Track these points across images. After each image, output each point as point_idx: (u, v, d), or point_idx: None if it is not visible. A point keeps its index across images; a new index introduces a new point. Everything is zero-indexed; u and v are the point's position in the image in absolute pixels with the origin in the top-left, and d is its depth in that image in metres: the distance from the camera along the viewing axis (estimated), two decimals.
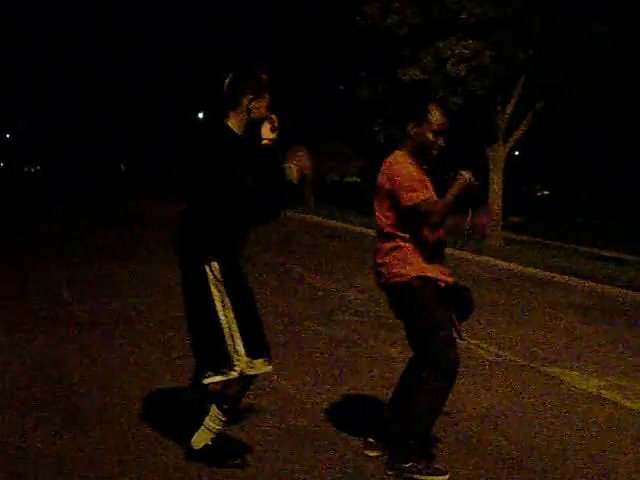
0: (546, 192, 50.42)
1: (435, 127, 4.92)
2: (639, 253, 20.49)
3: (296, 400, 6.32)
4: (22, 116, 70.12)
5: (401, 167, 4.90)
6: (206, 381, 4.63)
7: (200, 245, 4.61)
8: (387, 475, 4.84)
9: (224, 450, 4.79)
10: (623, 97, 24.05)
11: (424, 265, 4.90)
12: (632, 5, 19.44)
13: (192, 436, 4.77)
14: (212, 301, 4.57)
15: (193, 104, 42.29)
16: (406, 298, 4.92)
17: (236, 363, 4.56)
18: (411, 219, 4.85)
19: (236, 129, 4.71)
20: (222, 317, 4.57)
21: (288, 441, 5.34)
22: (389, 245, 4.95)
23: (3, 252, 14.73)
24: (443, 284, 4.94)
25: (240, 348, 4.57)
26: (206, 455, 4.73)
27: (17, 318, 8.73)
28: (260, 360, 4.64)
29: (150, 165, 68.12)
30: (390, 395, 5.36)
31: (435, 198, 4.88)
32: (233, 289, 4.62)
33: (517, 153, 36.05)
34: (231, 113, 4.73)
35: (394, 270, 4.92)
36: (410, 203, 4.78)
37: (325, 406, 6.17)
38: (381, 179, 4.97)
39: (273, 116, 4.74)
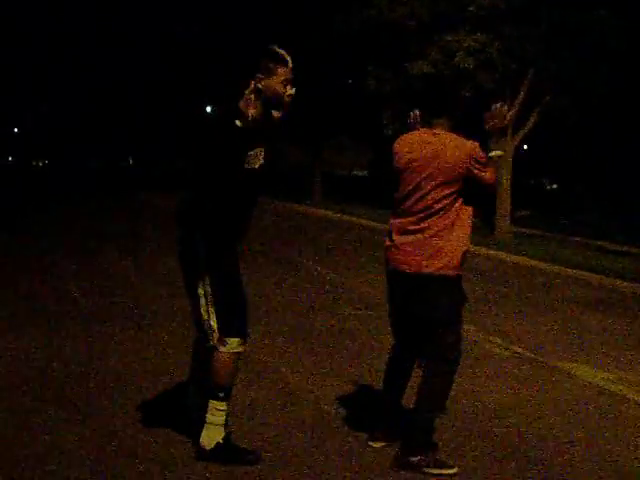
0: (554, 186, 50.29)
1: None
2: None
3: (302, 392, 6.29)
4: (29, 110, 70.23)
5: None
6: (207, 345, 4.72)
7: (195, 217, 4.64)
8: (395, 468, 4.81)
9: (236, 447, 4.77)
10: (632, 90, 23.92)
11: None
12: None
13: (199, 435, 4.73)
14: (196, 275, 4.64)
15: (198, 99, 42.28)
16: (438, 290, 4.90)
17: (209, 338, 4.66)
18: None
19: (248, 113, 4.62)
20: (201, 291, 4.64)
21: (294, 433, 5.32)
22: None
23: (10, 244, 14.74)
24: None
25: (213, 324, 4.64)
26: (218, 454, 4.69)
27: (22, 312, 8.72)
28: (234, 339, 4.65)
29: (157, 158, 68.34)
30: (383, 387, 5.37)
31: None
32: (216, 266, 4.63)
33: (525, 147, 35.94)
34: (245, 97, 4.66)
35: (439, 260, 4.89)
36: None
37: (331, 398, 6.14)
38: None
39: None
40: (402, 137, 5.16)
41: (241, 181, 4.64)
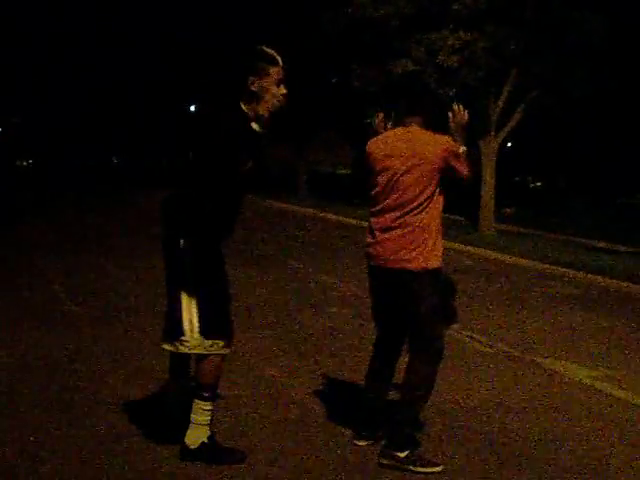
0: (539, 183, 50.46)
1: None
2: (632, 244, 20.48)
3: (287, 390, 6.29)
4: (18, 110, 69.85)
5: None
6: (162, 346, 4.75)
7: (181, 216, 4.61)
8: (381, 464, 4.82)
9: (220, 446, 4.76)
10: (615, 88, 24.03)
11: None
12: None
13: (183, 434, 4.72)
14: (180, 274, 4.60)
15: (190, 101, 42.28)
16: (421, 284, 4.91)
17: (188, 339, 4.59)
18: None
19: (251, 115, 4.64)
20: (184, 291, 4.60)
21: (279, 432, 5.31)
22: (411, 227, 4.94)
23: None
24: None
25: (195, 325, 4.58)
26: (203, 453, 4.68)
27: (9, 313, 8.68)
28: (212, 341, 4.60)
29: (144, 159, 68.18)
30: (365, 383, 5.37)
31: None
32: (202, 266, 4.60)
33: (509, 145, 36.06)
34: (242, 101, 4.64)
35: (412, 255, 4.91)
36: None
37: (316, 396, 6.14)
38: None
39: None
40: (376, 137, 5.23)
41: (238, 182, 4.65)
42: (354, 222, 24.09)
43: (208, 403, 4.67)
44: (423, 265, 4.87)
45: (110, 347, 7.35)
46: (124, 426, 5.25)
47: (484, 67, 19.64)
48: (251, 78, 4.60)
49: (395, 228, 4.93)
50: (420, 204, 4.89)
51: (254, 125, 4.63)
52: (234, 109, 4.63)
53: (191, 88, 39.34)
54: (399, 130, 5.12)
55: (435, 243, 4.93)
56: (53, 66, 57.32)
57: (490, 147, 21.22)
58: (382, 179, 5.00)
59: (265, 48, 4.71)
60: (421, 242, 4.88)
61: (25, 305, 9.08)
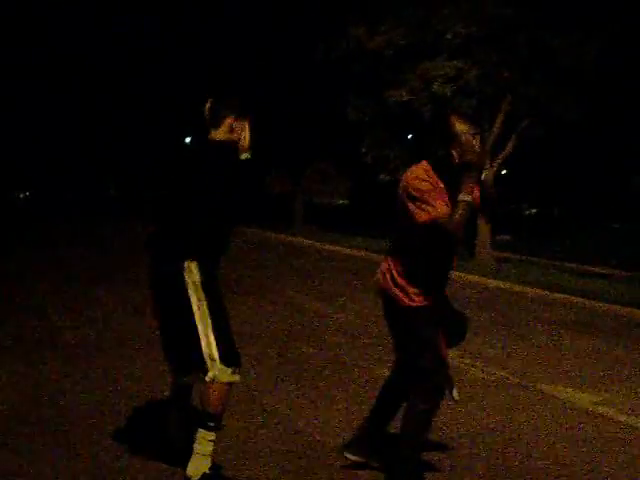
0: (534, 210, 50.61)
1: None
2: (626, 268, 20.52)
3: (289, 421, 6.27)
4: (16, 141, 69.92)
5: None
6: (179, 382, 4.72)
7: (180, 247, 4.63)
8: None
9: (223, 477, 4.75)
10: (606, 112, 24.19)
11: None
12: (616, 23, 19.54)
13: (185, 464, 4.70)
14: (189, 304, 4.58)
15: (180, 129, 42.35)
16: (407, 318, 4.85)
17: (210, 368, 4.57)
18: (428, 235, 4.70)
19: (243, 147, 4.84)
20: (199, 321, 4.57)
21: (283, 463, 5.29)
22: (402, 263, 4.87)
23: None
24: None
25: (215, 354, 4.57)
26: None
27: (3, 342, 8.66)
28: (232, 368, 4.62)
29: (140, 189, 68.19)
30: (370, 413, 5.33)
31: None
32: (209, 294, 4.62)
33: (504, 172, 36.16)
34: (213, 131, 4.80)
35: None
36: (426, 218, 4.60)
37: (317, 427, 6.13)
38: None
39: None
40: None
41: (230, 210, 4.70)
42: (352, 253, 24.15)
43: (212, 433, 4.66)
44: (410, 303, 4.81)
45: (106, 376, 7.33)
46: (125, 456, 5.23)
47: (478, 95, 19.76)
48: (232, 116, 4.83)
49: (388, 263, 4.94)
50: (407, 245, 4.83)
51: (244, 156, 4.77)
52: (221, 141, 4.80)
53: (186, 120, 39.46)
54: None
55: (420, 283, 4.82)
56: (51, 97, 57.52)
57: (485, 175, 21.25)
58: None
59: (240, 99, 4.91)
60: (405, 282, 4.80)
61: (20, 334, 9.05)
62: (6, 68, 52.19)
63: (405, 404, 4.93)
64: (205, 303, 4.59)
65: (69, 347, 8.56)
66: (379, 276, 4.99)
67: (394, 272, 4.85)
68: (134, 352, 8.48)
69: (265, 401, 6.80)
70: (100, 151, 65.53)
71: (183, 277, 4.60)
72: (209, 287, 4.63)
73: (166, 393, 6.64)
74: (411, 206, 4.61)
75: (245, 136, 4.84)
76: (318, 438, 5.86)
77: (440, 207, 4.56)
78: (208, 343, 4.57)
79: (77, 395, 6.71)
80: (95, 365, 7.83)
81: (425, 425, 4.85)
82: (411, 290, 4.79)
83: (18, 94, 56.23)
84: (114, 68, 50.43)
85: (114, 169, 70.11)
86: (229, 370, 4.60)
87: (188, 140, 42.40)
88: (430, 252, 4.77)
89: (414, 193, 4.60)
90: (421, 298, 4.80)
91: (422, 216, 4.57)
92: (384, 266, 4.97)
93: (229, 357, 4.62)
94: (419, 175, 4.66)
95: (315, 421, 6.27)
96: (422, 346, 4.79)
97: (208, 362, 4.57)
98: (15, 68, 53.84)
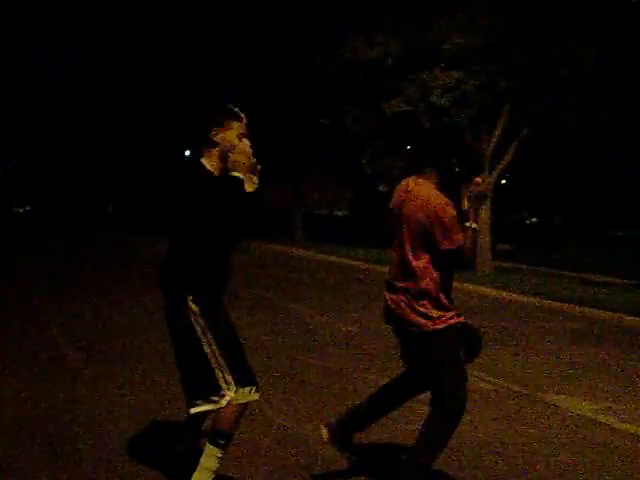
0: (534, 219, 50.64)
1: None
2: (627, 277, 20.53)
3: (289, 433, 6.26)
4: (15, 156, 69.99)
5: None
6: (194, 410, 4.57)
7: (180, 279, 4.58)
8: None
9: None
10: (606, 121, 24.22)
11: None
12: (613, 31, 19.59)
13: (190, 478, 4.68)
14: (195, 334, 4.53)
15: (179, 144, 42.44)
16: (432, 341, 4.82)
17: (226, 392, 4.52)
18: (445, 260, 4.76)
19: (209, 166, 4.62)
20: (207, 349, 4.52)
21: (284, 475, 5.28)
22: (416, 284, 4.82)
23: None
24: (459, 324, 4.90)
25: (229, 378, 4.52)
26: None
27: (6, 359, 8.65)
28: (248, 388, 4.58)
29: (139, 205, 68.26)
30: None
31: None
32: (213, 321, 4.55)
33: (504, 181, 36.20)
34: (204, 150, 4.68)
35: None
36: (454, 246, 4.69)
37: (319, 439, 6.11)
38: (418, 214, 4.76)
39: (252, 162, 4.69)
40: (400, 182, 5.12)
41: (221, 234, 4.59)
42: (352, 263, 24.14)
43: (221, 451, 4.63)
44: (431, 327, 4.79)
45: (110, 393, 7.32)
46: (124, 472, 5.22)
47: (476, 105, 19.78)
48: (215, 128, 4.64)
49: (400, 290, 4.88)
50: (417, 268, 4.78)
51: (215, 172, 4.61)
52: (196, 166, 4.66)
53: (185, 134, 39.53)
54: (412, 179, 4.97)
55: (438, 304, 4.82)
56: (50, 97, 57.58)
57: (485, 184, 21.30)
58: (394, 226, 4.98)
59: (231, 106, 4.74)
60: (425, 307, 4.79)
61: (23, 351, 9.04)
62: (6, 68, 52.22)
63: (423, 419, 4.91)
64: (211, 332, 4.52)
65: (71, 364, 8.54)
66: (392, 306, 4.93)
67: (410, 299, 4.82)
68: (136, 367, 8.47)
69: (266, 412, 6.79)
70: (100, 166, 65.57)
71: (185, 309, 4.53)
72: (213, 314, 4.57)
73: (170, 407, 6.65)
74: (439, 234, 4.67)
75: (239, 149, 4.61)
76: (318, 449, 5.84)
77: (462, 235, 4.69)
78: (220, 369, 4.51)
79: (80, 411, 6.70)
80: (97, 380, 7.82)
81: (446, 440, 4.85)
82: (435, 313, 4.78)
83: (18, 94, 56.19)
84: (114, 68, 50.29)
85: (113, 186, 70.16)
86: (246, 390, 4.57)
87: (187, 153, 42.53)
88: (444, 273, 4.82)
89: (446, 222, 4.67)
90: (445, 319, 4.80)
91: (447, 245, 4.67)
92: (393, 296, 4.93)
93: (244, 378, 4.56)
94: (443, 201, 4.72)
95: (316, 432, 6.25)
96: (449, 366, 4.81)
97: (224, 387, 4.50)
98: (15, 68, 53.87)
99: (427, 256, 4.76)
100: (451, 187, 4.83)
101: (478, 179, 4.84)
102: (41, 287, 15.58)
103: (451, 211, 4.69)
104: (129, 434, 6.04)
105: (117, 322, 11.47)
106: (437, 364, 4.81)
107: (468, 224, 4.75)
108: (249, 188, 4.60)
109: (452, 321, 4.82)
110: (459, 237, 4.67)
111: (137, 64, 45.39)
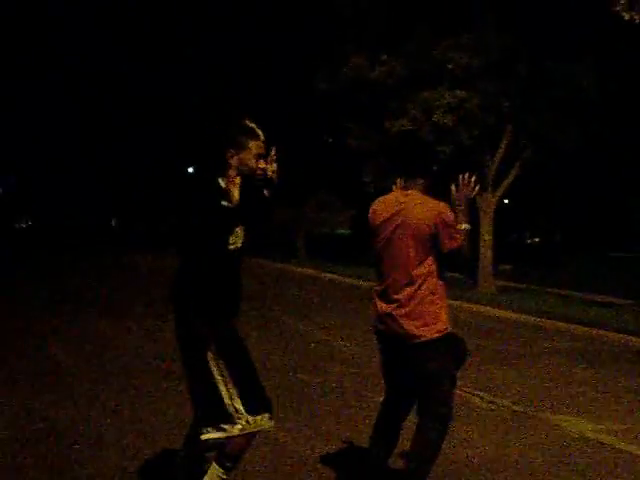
0: (536, 239, 50.64)
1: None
2: (628, 296, 20.50)
3: (290, 451, 6.25)
4: (16, 170, 70.09)
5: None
6: (204, 437, 4.48)
7: (191, 303, 4.48)
8: None
9: None
10: (607, 141, 24.26)
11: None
12: (614, 52, 19.63)
13: None
14: (207, 363, 4.43)
15: (182, 159, 42.51)
16: (428, 350, 4.84)
17: (237, 421, 4.44)
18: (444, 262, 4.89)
19: (227, 186, 4.50)
20: (218, 378, 4.43)
21: None
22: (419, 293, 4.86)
23: None
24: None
25: (240, 407, 4.43)
26: None
27: (6, 375, 8.64)
28: (261, 416, 4.51)
29: (141, 220, 68.36)
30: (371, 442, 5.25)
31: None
32: (226, 349, 4.47)
33: (506, 201, 36.23)
34: (222, 173, 4.54)
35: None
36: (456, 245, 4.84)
37: (320, 457, 6.10)
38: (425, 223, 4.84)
39: (265, 165, 4.62)
40: (380, 198, 5.16)
41: (224, 259, 4.52)
42: (355, 282, 24.13)
43: (226, 473, 4.57)
44: (431, 335, 4.81)
45: (109, 409, 7.31)
46: None
47: (479, 124, 19.80)
48: (230, 151, 4.52)
49: (398, 301, 4.90)
50: (418, 276, 4.83)
51: (225, 203, 4.47)
52: (208, 185, 4.53)
53: (189, 150, 39.58)
54: (400, 192, 5.05)
55: (439, 313, 4.86)
56: (51, 97, 57.63)
57: (487, 204, 21.32)
58: (381, 243, 4.99)
59: (246, 120, 4.59)
60: (427, 315, 4.82)
61: (23, 367, 9.04)
62: (6, 68, 52.29)
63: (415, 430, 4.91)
64: (223, 358, 4.44)
65: (71, 381, 8.53)
66: (386, 320, 4.95)
67: (403, 311, 4.84)
68: (136, 384, 8.46)
69: (267, 431, 6.76)
70: (102, 181, 65.58)
71: (195, 338, 4.46)
72: (224, 341, 4.49)
73: (169, 425, 6.63)
74: (445, 236, 4.79)
75: (254, 167, 4.55)
76: (319, 467, 5.82)
77: (460, 234, 4.88)
78: (231, 398, 4.43)
79: (78, 428, 6.69)
80: (96, 397, 7.81)
81: (438, 448, 4.87)
82: (430, 320, 4.81)
83: (18, 94, 56.22)
84: (114, 68, 50.28)
85: (116, 199, 70.15)
86: (258, 418, 4.50)
87: (190, 170, 42.58)
88: (440, 281, 4.90)
89: (450, 223, 4.82)
90: (440, 327, 4.83)
91: (452, 244, 4.82)
92: (384, 307, 4.95)
93: (256, 406, 4.50)
94: (442, 205, 4.85)
95: (316, 451, 6.24)
96: (442, 374, 4.86)
97: (234, 415, 4.43)
98: (14, 74, 53.94)
99: (428, 262, 4.83)
100: (436, 191, 4.98)
101: (461, 178, 5.04)
102: (41, 303, 15.58)
103: (451, 212, 4.86)
104: (129, 452, 6.03)
105: (117, 339, 11.46)
106: (431, 373, 4.83)
107: (463, 226, 4.91)
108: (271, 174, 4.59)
109: (446, 331, 4.86)
110: (459, 236, 4.84)
111: (137, 64, 45.50)
